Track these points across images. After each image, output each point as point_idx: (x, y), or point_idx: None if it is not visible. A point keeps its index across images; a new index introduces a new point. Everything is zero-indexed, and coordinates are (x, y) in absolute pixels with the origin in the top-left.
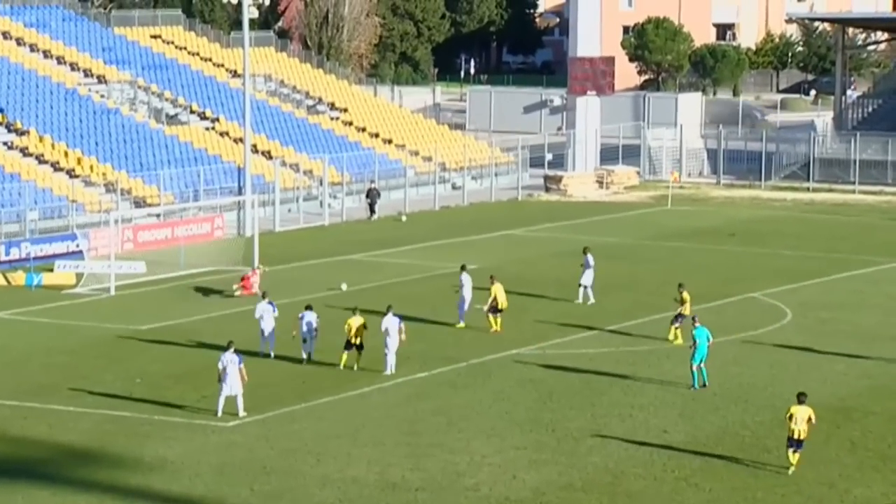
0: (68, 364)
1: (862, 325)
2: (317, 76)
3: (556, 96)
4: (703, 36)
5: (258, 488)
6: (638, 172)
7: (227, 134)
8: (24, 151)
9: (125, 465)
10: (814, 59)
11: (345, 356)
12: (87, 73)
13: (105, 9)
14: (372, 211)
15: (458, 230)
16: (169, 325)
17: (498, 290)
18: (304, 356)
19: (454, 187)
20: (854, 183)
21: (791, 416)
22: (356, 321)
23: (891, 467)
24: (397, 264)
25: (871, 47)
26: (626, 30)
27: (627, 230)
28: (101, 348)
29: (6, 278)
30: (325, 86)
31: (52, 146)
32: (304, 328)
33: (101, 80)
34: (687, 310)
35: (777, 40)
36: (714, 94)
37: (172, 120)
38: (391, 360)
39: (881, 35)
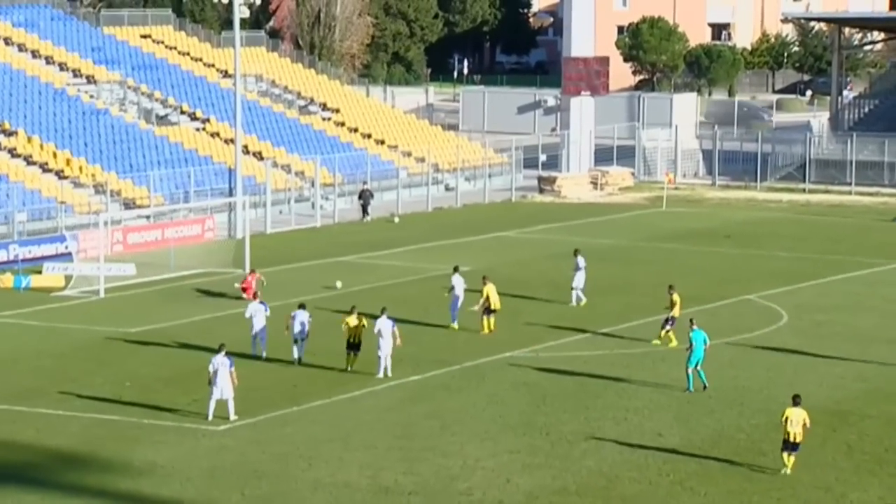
0: (57, 367)
1: (858, 327)
2: (308, 76)
3: (550, 97)
4: (698, 36)
5: (249, 493)
6: (632, 173)
7: (218, 134)
8: (13, 152)
9: (114, 470)
10: (810, 59)
11: (350, 357)
12: (77, 74)
13: (94, 8)
14: (365, 212)
15: (451, 232)
16: (159, 327)
17: (490, 290)
18: (295, 358)
19: (447, 188)
20: (850, 184)
21: (787, 419)
22: (353, 320)
23: (887, 471)
24: (390, 266)
25: (868, 47)
26: (620, 29)
27: (622, 232)
28: (90, 351)
29: None
30: (317, 86)
31: (41, 147)
32: (297, 328)
33: (91, 80)
34: (677, 312)
35: (773, 40)
36: (709, 94)
37: (162, 120)
38: (384, 363)
39: (878, 35)
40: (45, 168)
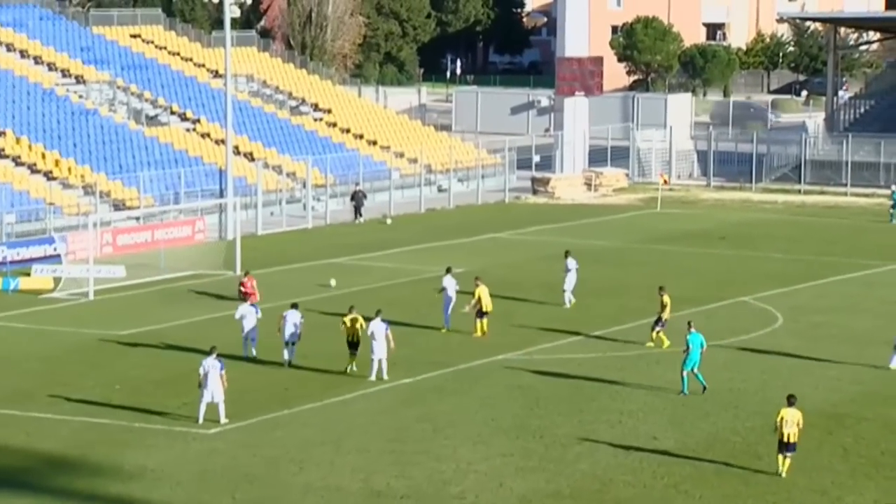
0: (46, 370)
1: (854, 329)
2: (300, 76)
3: (543, 97)
4: (692, 36)
5: (240, 497)
6: (627, 174)
7: (209, 135)
8: (1, 153)
9: (105, 474)
10: (805, 59)
11: (351, 357)
12: (66, 74)
13: (83, 8)
14: (359, 213)
15: (443, 233)
16: (149, 329)
17: (482, 292)
18: (286, 361)
19: (440, 189)
20: (846, 185)
21: (781, 420)
22: (351, 319)
23: (883, 474)
24: (382, 268)
25: (864, 47)
26: (614, 29)
27: (616, 233)
28: (79, 354)
29: None
30: (309, 86)
31: (30, 148)
32: (289, 331)
33: (80, 80)
34: (667, 313)
35: (768, 40)
36: (704, 94)
37: (152, 121)
38: (376, 366)
39: (873, 35)
40: (33, 169)
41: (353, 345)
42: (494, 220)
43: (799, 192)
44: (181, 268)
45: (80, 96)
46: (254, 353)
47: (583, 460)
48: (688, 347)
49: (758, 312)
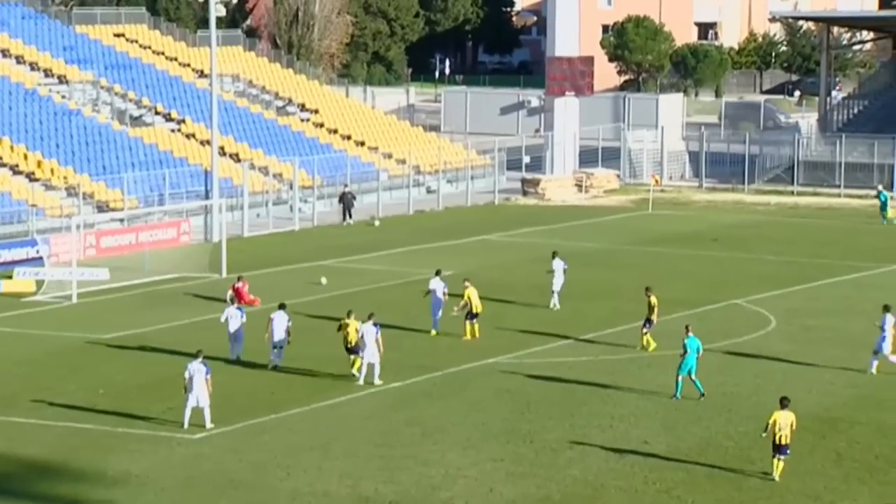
0: (29, 374)
1: (848, 332)
2: (286, 76)
3: (533, 97)
4: (684, 35)
5: (226, 503)
6: (618, 175)
7: (194, 136)
8: None
9: (88, 479)
10: (798, 59)
11: (354, 361)
12: (48, 73)
13: (66, 6)
14: (349, 215)
15: (432, 235)
16: (133, 333)
17: (472, 294)
18: (272, 364)
19: (429, 191)
20: (839, 186)
21: (774, 422)
22: (347, 322)
23: (877, 479)
24: (370, 270)
25: (857, 47)
26: (605, 29)
27: (607, 235)
28: (62, 358)
29: None
30: (296, 86)
31: (12, 149)
32: (277, 335)
33: (63, 80)
34: (654, 315)
35: (760, 40)
36: (696, 94)
37: (137, 121)
38: (365, 369)
39: (867, 34)
40: (15, 170)
41: (349, 349)
42: (484, 221)
43: (792, 193)
44: (166, 270)
45: (63, 96)
46: (239, 355)
47: (574, 465)
48: (685, 351)
49: (751, 315)
